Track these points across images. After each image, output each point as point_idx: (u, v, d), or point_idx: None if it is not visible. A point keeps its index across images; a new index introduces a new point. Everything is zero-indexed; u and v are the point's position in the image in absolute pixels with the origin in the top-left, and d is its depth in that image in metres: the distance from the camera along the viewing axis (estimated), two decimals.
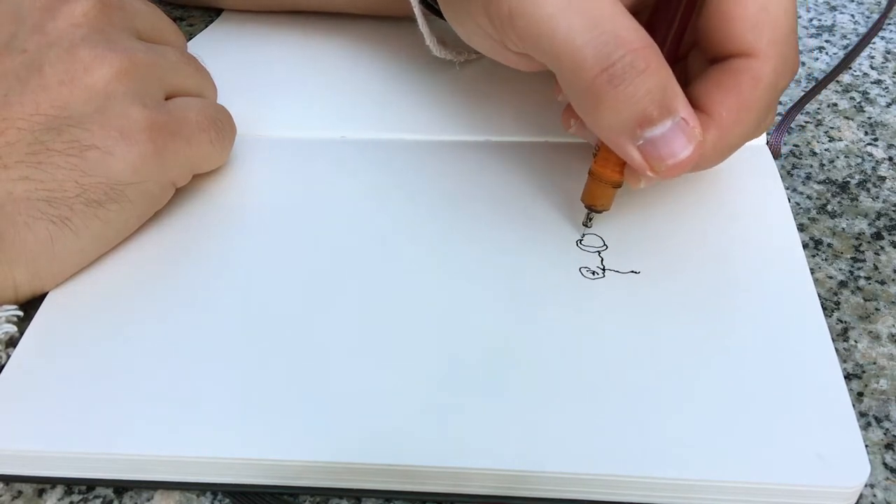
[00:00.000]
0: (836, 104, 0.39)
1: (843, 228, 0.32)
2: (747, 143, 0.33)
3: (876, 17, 0.46)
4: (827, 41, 0.44)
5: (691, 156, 0.24)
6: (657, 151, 0.24)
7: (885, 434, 0.25)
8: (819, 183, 0.34)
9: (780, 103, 0.37)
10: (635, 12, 0.26)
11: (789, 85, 0.27)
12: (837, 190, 0.34)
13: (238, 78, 0.38)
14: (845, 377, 0.25)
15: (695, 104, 0.26)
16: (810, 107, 0.39)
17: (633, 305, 0.27)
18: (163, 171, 0.29)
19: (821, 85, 0.39)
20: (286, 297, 0.27)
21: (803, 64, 0.42)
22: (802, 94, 0.39)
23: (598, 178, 0.28)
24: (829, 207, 0.33)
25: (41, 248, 0.26)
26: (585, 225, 0.29)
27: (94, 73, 0.28)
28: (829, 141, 0.36)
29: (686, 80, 0.28)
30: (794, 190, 0.34)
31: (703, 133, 0.25)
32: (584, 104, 0.25)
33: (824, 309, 0.26)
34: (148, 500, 0.24)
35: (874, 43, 0.43)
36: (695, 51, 0.29)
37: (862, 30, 0.45)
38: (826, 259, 0.30)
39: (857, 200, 0.33)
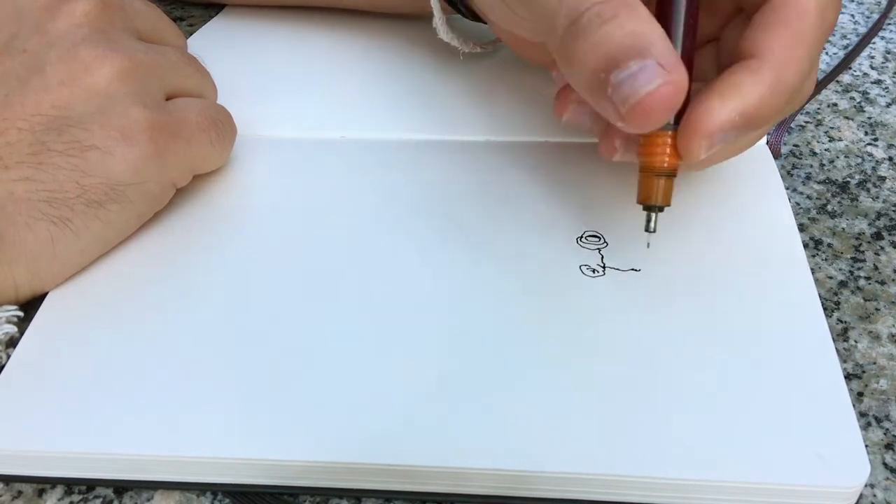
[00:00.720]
0: (836, 104, 0.39)
1: (843, 228, 0.32)
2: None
3: (876, 17, 0.46)
4: (827, 41, 0.44)
5: (658, 92, 0.22)
6: (622, 91, 0.22)
7: (885, 434, 0.25)
8: (819, 183, 0.34)
9: None
10: None
11: (834, 23, 0.25)
12: (837, 190, 0.34)
13: (238, 78, 0.38)
14: (845, 377, 0.25)
15: (745, 55, 0.24)
16: (810, 107, 0.39)
17: (634, 304, 0.27)
18: (163, 171, 0.29)
19: (821, 85, 0.39)
20: (286, 296, 0.27)
21: None
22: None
23: (650, 169, 0.26)
24: (829, 207, 0.33)
25: (41, 248, 0.26)
26: (648, 230, 0.27)
27: (95, 73, 0.28)
28: (829, 141, 0.36)
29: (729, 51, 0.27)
30: (794, 190, 0.34)
31: (759, 76, 0.23)
32: (561, 62, 0.25)
33: (824, 309, 0.26)
34: (148, 500, 0.24)
35: (874, 43, 0.43)
36: (738, 18, 0.28)
37: (862, 30, 0.45)
38: (826, 259, 0.30)
39: (857, 200, 0.33)
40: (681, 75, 0.23)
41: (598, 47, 0.23)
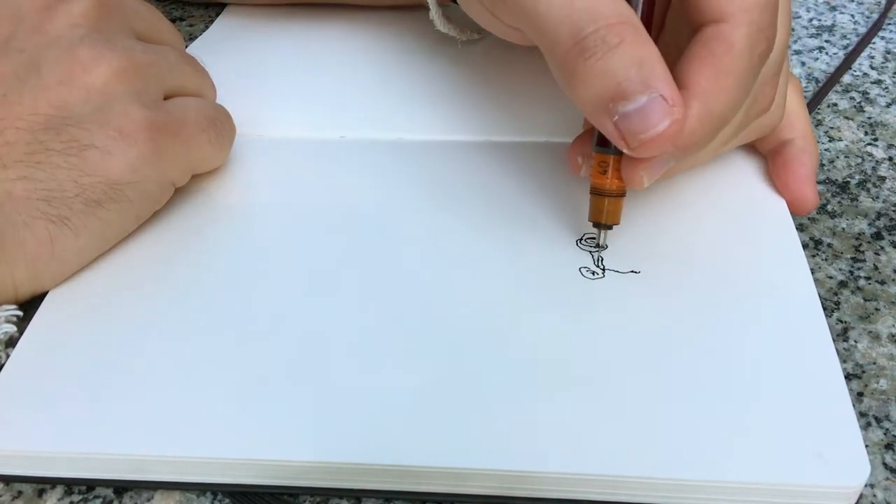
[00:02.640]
0: (836, 104, 0.39)
1: (843, 228, 0.32)
2: (748, 143, 0.33)
3: (876, 17, 0.46)
4: (827, 41, 0.44)
5: (667, 131, 0.24)
6: (631, 126, 0.24)
7: (885, 434, 0.25)
8: (819, 183, 0.34)
9: None
10: None
11: (769, 56, 0.26)
12: (837, 190, 0.34)
13: (238, 78, 0.38)
14: (845, 377, 0.25)
15: (677, 81, 0.25)
16: (809, 107, 0.39)
17: (633, 305, 0.27)
18: (162, 170, 0.29)
19: (824, 87, 0.39)
20: (286, 296, 0.27)
21: (803, 64, 0.42)
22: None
23: (599, 191, 0.28)
24: (829, 207, 0.33)
25: (41, 247, 0.26)
26: (600, 246, 0.29)
27: (93, 72, 0.28)
28: (829, 141, 0.36)
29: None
30: None
31: (687, 108, 0.25)
32: (560, 78, 0.25)
33: (824, 309, 0.26)
34: (148, 500, 0.24)
35: (874, 43, 0.43)
36: (683, 26, 0.29)
37: (862, 30, 0.45)
38: (826, 259, 0.30)
39: (857, 200, 0.33)
40: (681, 109, 0.24)
41: (605, 76, 0.24)
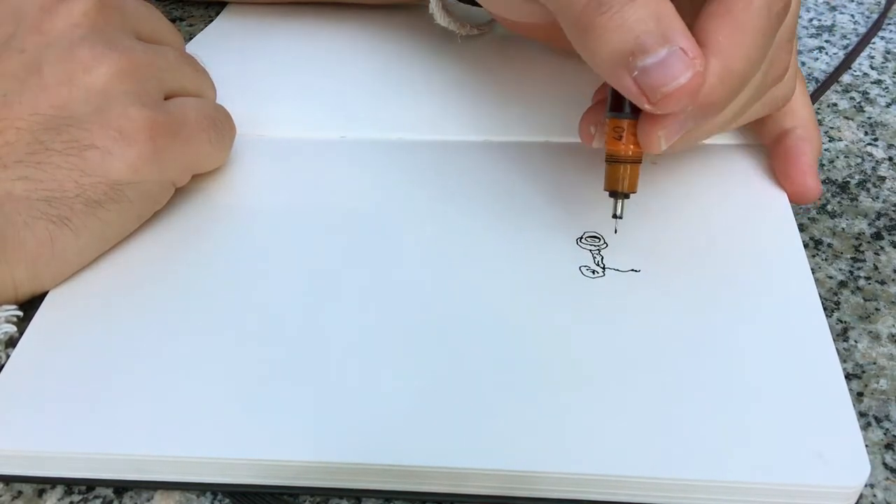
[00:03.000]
0: (836, 104, 0.39)
1: (843, 228, 0.32)
2: (748, 143, 0.33)
3: (876, 17, 0.46)
4: (827, 41, 0.44)
5: (689, 83, 0.23)
6: (651, 80, 0.23)
7: (885, 434, 0.25)
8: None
9: None
10: None
11: (786, 15, 0.26)
12: (837, 190, 0.34)
13: (238, 78, 0.38)
14: (845, 377, 0.25)
15: (695, 39, 0.25)
16: None
17: (634, 304, 0.27)
18: (162, 171, 0.29)
19: (822, 86, 0.39)
20: (286, 296, 0.27)
21: (803, 64, 0.42)
22: None
23: (615, 158, 0.27)
24: (829, 207, 0.33)
25: (41, 248, 0.26)
26: (616, 216, 0.28)
27: (93, 72, 0.28)
28: (829, 141, 0.36)
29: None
30: None
31: (707, 65, 0.24)
32: (576, 37, 0.25)
33: (824, 309, 0.26)
34: (148, 500, 0.24)
35: (874, 43, 0.43)
36: None
37: (862, 30, 0.45)
38: (826, 259, 0.30)
39: (857, 200, 0.33)
40: (702, 62, 0.24)
41: (623, 30, 0.23)
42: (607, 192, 0.27)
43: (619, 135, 0.26)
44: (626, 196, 0.27)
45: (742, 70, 0.25)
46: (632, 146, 0.26)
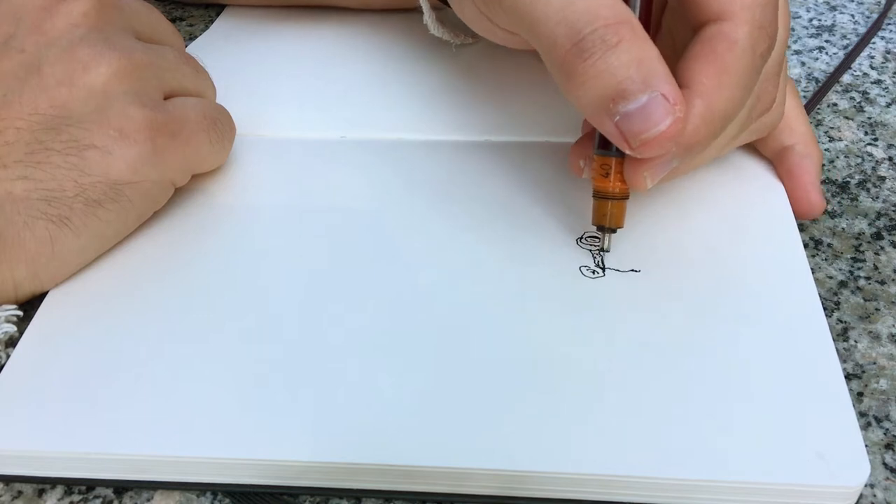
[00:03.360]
0: (836, 104, 0.39)
1: (843, 228, 0.32)
2: (748, 144, 0.33)
3: (876, 17, 0.46)
4: (827, 41, 0.44)
5: (669, 130, 0.24)
6: (632, 126, 0.24)
7: (885, 434, 0.25)
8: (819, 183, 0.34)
9: None
10: None
11: (771, 54, 0.27)
12: (837, 190, 0.34)
13: (238, 78, 0.38)
14: (845, 377, 0.25)
15: (678, 81, 0.25)
16: (809, 106, 0.39)
17: (634, 304, 0.27)
18: (162, 170, 0.29)
19: (823, 87, 0.39)
20: (286, 296, 0.27)
21: (803, 64, 0.42)
22: (803, 95, 0.39)
23: (602, 195, 0.27)
24: (829, 207, 0.33)
25: (41, 248, 0.26)
26: (604, 249, 0.28)
27: (93, 72, 0.28)
28: (829, 141, 0.36)
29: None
30: None
31: (689, 106, 0.25)
32: (560, 80, 0.25)
33: (824, 309, 0.26)
34: (148, 500, 0.24)
35: (874, 43, 0.43)
36: (683, 26, 0.29)
37: (862, 30, 0.45)
38: (826, 259, 0.30)
39: (857, 200, 0.33)
40: (682, 107, 0.24)
41: (605, 75, 0.24)
42: (595, 227, 0.28)
43: (605, 172, 0.27)
44: (613, 231, 0.28)
45: (726, 110, 0.25)
46: (619, 184, 0.27)
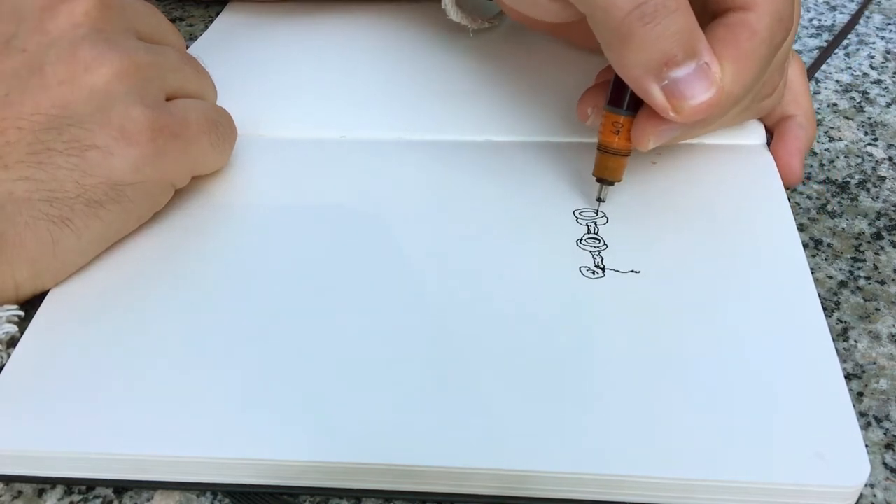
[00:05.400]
0: (836, 104, 0.39)
1: (843, 228, 0.32)
2: (747, 144, 0.33)
3: (876, 17, 0.46)
4: (827, 41, 0.44)
5: (712, 98, 0.25)
6: (680, 92, 0.25)
7: (885, 434, 0.25)
8: (819, 183, 0.34)
9: None
10: None
11: (783, 44, 0.28)
12: (837, 190, 0.34)
13: (238, 78, 0.38)
14: (845, 377, 0.25)
15: None
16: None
17: (634, 305, 0.27)
18: (163, 171, 0.29)
19: (829, 48, 0.40)
20: (285, 296, 0.27)
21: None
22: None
23: (608, 150, 0.29)
24: (829, 207, 0.33)
25: (42, 248, 0.26)
26: (599, 200, 0.30)
27: (95, 72, 0.28)
28: (829, 141, 0.36)
29: None
30: (794, 190, 0.34)
31: None
32: (613, 43, 0.26)
33: (824, 309, 0.26)
34: (148, 500, 0.24)
35: (874, 43, 0.43)
36: (699, 10, 0.30)
37: (862, 29, 0.45)
38: (826, 259, 0.30)
39: (857, 200, 0.33)
40: (720, 74, 0.26)
41: (662, 40, 0.25)
42: (595, 178, 0.30)
43: (616, 129, 0.28)
44: (612, 183, 0.30)
45: (737, 94, 0.27)
46: (625, 141, 0.29)
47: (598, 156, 0.29)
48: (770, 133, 0.34)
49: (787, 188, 0.32)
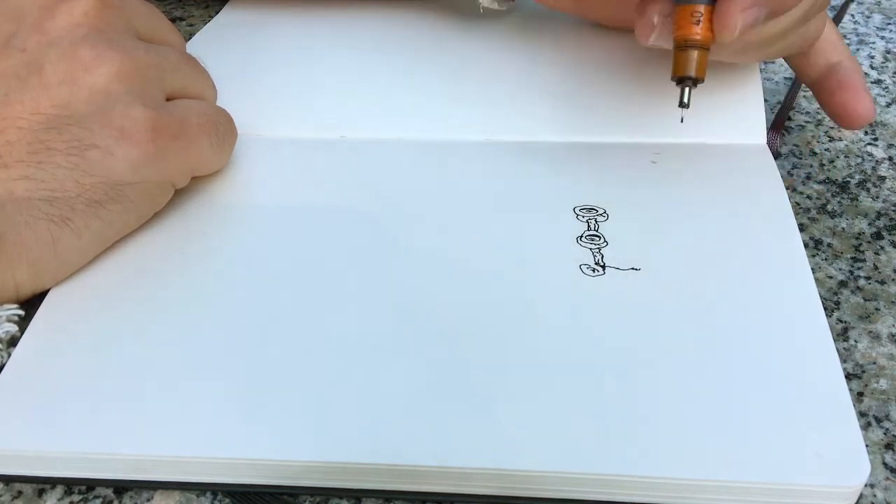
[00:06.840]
0: None
1: (843, 228, 0.32)
2: (747, 144, 0.33)
3: (876, 16, 0.46)
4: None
5: None
6: None
7: (885, 434, 0.25)
8: (819, 183, 0.34)
9: (766, 101, 0.37)
10: None
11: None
12: (837, 190, 0.34)
13: (238, 78, 0.38)
14: (845, 377, 0.25)
15: None
16: (810, 107, 0.39)
17: (634, 303, 0.27)
18: (163, 171, 0.29)
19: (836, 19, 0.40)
20: (285, 296, 0.27)
21: None
22: (791, 80, 0.39)
23: (688, 44, 0.27)
24: (829, 207, 0.33)
25: (42, 248, 0.26)
26: (683, 105, 0.28)
27: (95, 72, 0.28)
28: (829, 141, 0.36)
29: None
30: (794, 190, 0.34)
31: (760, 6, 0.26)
32: None
33: (824, 309, 0.26)
34: (148, 500, 0.24)
35: (874, 43, 0.43)
36: None
37: (862, 29, 0.45)
38: (826, 259, 0.30)
39: (857, 200, 0.33)
40: None
41: None
42: (674, 81, 0.27)
43: (697, 20, 0.27)
44: (695, 84, 0.27)
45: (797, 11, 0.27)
46: (707, 31, 0.27)
47: (677, 55, 0.27)
48: (813, 88, 0.34)
49: (859, 127, 0.33)
